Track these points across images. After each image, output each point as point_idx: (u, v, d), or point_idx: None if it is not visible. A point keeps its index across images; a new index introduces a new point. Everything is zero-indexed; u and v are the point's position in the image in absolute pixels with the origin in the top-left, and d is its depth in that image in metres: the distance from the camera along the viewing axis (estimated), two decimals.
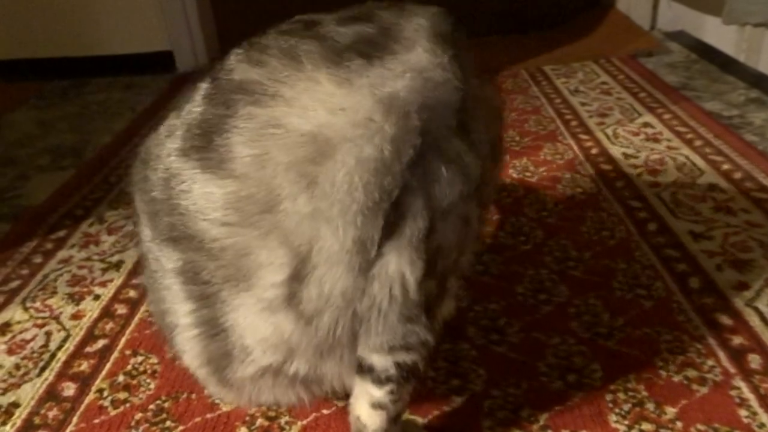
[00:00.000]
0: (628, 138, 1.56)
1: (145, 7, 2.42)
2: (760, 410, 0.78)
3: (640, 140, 1.55)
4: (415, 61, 0.51)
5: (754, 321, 0.92)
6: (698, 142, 1.50)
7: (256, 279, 0.52)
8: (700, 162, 1.41)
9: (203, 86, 0.57)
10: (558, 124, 1.68)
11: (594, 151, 1.50)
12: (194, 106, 0.55)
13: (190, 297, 0.56)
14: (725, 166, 1.38)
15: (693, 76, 1.99)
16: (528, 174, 1.41)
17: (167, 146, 0.56)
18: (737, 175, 1.33)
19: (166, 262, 0.56)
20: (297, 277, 0.52)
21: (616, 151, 1.49)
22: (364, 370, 0.60)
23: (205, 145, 0.52)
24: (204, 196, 0.52)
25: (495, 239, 1.16)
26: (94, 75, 2.47)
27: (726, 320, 0.93)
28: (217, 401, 0.85)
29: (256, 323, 0.54)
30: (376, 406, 0.63)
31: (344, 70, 0.51)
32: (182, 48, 2.49)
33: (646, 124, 1.63)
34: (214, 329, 0.56)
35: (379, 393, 0.62)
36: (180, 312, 0.57)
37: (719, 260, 1.06)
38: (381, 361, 0.58)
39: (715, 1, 1.99)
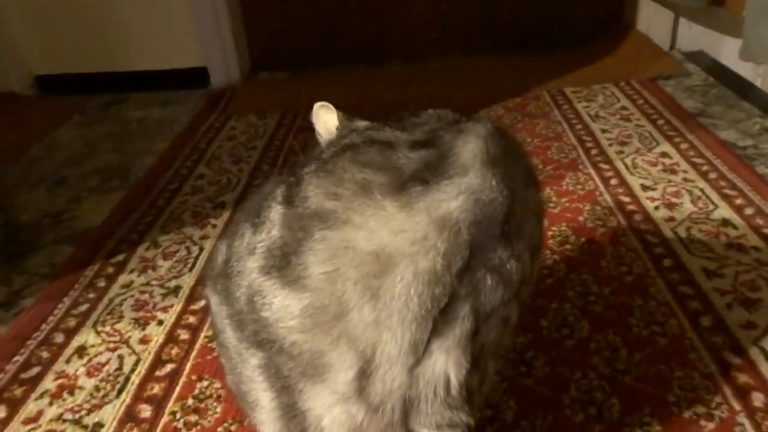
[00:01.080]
0: (647, 168, 1.65)
1: (181, 24, 2.54)
2: None
3: (658, 171, 1.63)
4: (467, 184, 0.60)
5: (760, 360, 1.02)
6: (713, 175, 1.59)
7: (328, 375, 0.62)
8: (714, 196, 1.50)
9: (278, 208, 0.65)
10: (579, 152, 1.77)
11: (613, 181, 1.60)
12: (273, 229, 0.64)
13: (272, 387, 0.66)
14: (738, 201, 1.46)
15: (710, 101, 2.07)
16: (551, 205, 1.51)
17: (249, 264, 0.64)
18: (749, 211, 1.42)
19: (250, 358, 0.66)
20: (364, 374, 0.61)
21: (634, 182, 1.59)
22: None
23: (284, 265, 0.61)
24: (283, 308, 0.61)
25: None
26: (132, 90, 2.59)
27: (733, 359, 1.03)
28: None
29: (332, 410, 0.64)
30: None
31: (406, 197, 0.60)
32: (216, 64, 2.61)
33: (663, 154, 1.72)
34: (293, 412, 0.66)
35: None
36: (263, 398, 0.68)
37: (729, 299, 1.16)
38: None
39: (733, 23, 2.06)
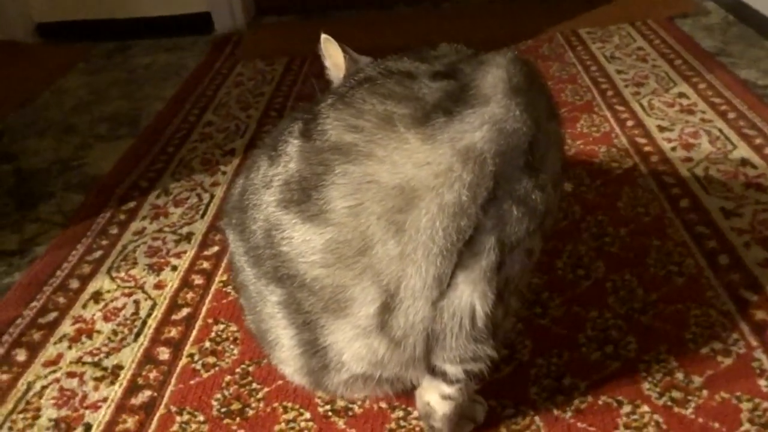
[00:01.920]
0: (663, 110, 1.61)
1: None
2: None
3: (675, 112, 1.60)
4: (490, 114, 0.59)
5: None
6: (732, 115, 1.55)
7: (351, 310, 0.61)
8: (733, 136, 1.46)
9: (295, 142, 0.63)
10: (594, 94, 1.73)
11: (630, 123, 1.56)
12: (290, 162, 0.62)
13: (292, 324, 0.66)
14: (758, 141, 1.43)
15: (729, 40, 2.00)
16: (566, 147, 1.48)
17: (265, 198, 0.63)
18: None
19: (270, 296, 0.66)
20: (387, 308, 0.61)
21: (651, 123, 1.55)
22: (436, 373, 0.71)
23: (305, 199, 0.60)
24: (304, 242, 0.61)
25: None
26: (136, 37, 2.54)
27: (751, 296, 1.02)
28: None
29: (353, 344, 0.64)
30: (446, 397, 0.74)
31: (430, 128, 0.58)
32: (220, 9, 2.54)
33: (681, 95, 1.68)
34: (314, 348, 0.66)
35: (449, 390, 0.73)
36: (283, 335, 0.68)
37: (747, 238, 1.14)
38: (452, 369, 0.69)
39: None
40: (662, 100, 1.66)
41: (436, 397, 0.75)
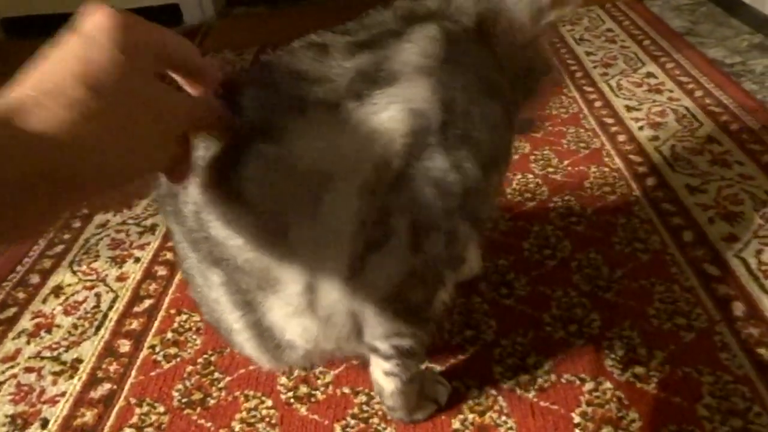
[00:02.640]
0: (631, 90, 1.61)
1: None
2: (740, 353, 0.88)
3: (643, 92, 1.60)
4: (401, 94, 0.57)
5: (741, 271, 1.01)
6: (699, 93, 1.55)
7: (280, 289, 0.61)
8: (699, 113, 1.47)
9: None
10: (563, 76, 1.72)
11: (597, 104, 1.56)
12: (212, 145, 0.59)
13: (237, 305, 0.64)
14: (723, 118, 1.43)
15: (698, 20, 2.01)
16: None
17: (191, 181, 0.61)
18: (734, 127, 1.39)
19: (212, 277, 0.64)
20: (310, 288, 0.61)
21: (619, 103, 1.55)
22: (371, 349, 0.71)
23: (223, 181, 0.58)
24: (228, 225, 0.59)
25: (502, 197, 1.24)
26: None
27: (714, 271, 1.02)
28: None
29: (291, 323, 0.64)
30: (388, 374, 0.74)
31: (340, 114, 0.57)
32: (188, 0, 2.51)
33: (649, 74, 1.68)
34: (260, 329, 0.65)
35: (387, 365, 0.73)
36: (231, 319, 0.66)
37: (712, 213, 1.14)
38: (382, 345, 0.69)
39: None
40: (630, 80, 1.66)
41: (380, 374, 0.75)
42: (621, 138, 1.41)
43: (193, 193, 0.60)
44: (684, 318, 0.94)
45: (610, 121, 1.48)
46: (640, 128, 1.44)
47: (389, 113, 0.57)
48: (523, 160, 1.35)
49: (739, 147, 1.32)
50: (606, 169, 1.30)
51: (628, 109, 1.52)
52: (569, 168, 1.32)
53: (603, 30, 1.99)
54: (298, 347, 0.66)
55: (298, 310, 0.63)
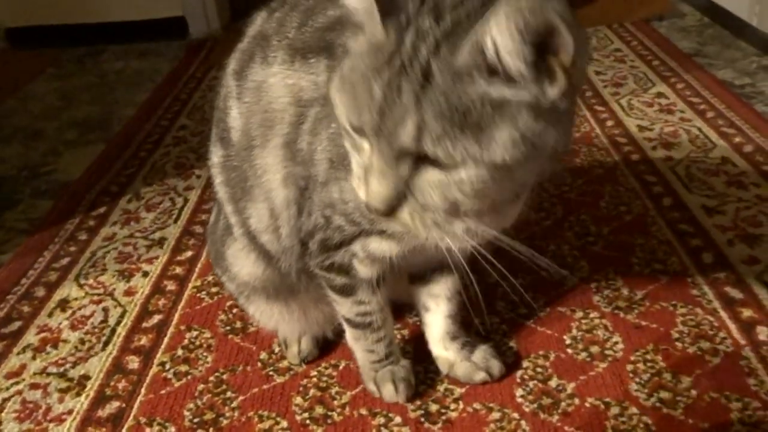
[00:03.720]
0: (643, 109, 1.60)
1: None
2: (767, 379, 0.86)
3: (654, 111, 1.59)
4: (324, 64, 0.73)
5: (764, 294, 1.00)
6: (710, 114, 1.55)
7: (254, 201, 0.81)
8: (712, 134, 1.46)
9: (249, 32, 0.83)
10: None
11: (609, 123, 1.55)
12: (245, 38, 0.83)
13: (230, 199, 0.86)
14: (737, 139, 1.43)
15: (706, 41, 2.01)
16: None
17: (229, 66, 0.83)
18: (748, 149, 1.39)
19: (214, 156, 0.86)
20: (273, 214, 0.81)
21: (630, 123, 1.54)
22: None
23: (241, 71, 0.80)
24: (234, 117, 0.80)
25: None
26: (108, 42, 2.48)
27: (737, 294, 1.00)
28: (270, 373, 0.93)
29: (262, 237, 0.84)
30: (335, 301, 0.85)
31: (289, 67, 0.75)
32: (195, 13, 2.50)
33: (659, 94, 1.68)
34: (252, 239, 0.86)
35: (330, 293, 0.84)
36: (231, 221, 0.88)
37: (731, 235, 1.13)
38: (318, 272, 0.83)
39: None
40: (641, 100, 1.66)
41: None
42: (635, 157, 1.40)
43: (227, 75, 0.82)
44: (709, 342, 0.92)
45: (622, 140, 1.47)
46: (653, 148, 1.43)
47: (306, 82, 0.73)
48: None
49: (755, 169, 1.31)
50: (621, 188, 1.29)
51: (640, 128, 1.51)
52: (583, 187, 1.31)
53: (611, 50, 1.99)
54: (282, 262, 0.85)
55: (270, 230, 0.82)
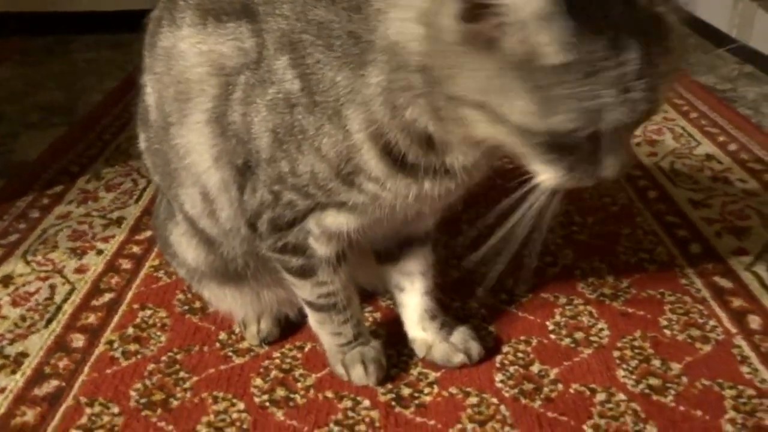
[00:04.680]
0: None
1: None
2: (761, 367, 0.80)
3: None
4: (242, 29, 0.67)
5: (754, 285, 0.95)
6: (694, 114, 1.52)
7: (183, 185, 0.76)
8: (696, 133, 1.43)
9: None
10: None
11: None
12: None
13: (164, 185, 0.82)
14: (721, 138, 1.40)
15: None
16: None
17: (145, 39, 0.77)
18: (732, 147, 1.36)
19: (141, 141, 0.83)
20: (207, 198, 0.75)
21: None
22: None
23: (152, 40, 0.74)
24: (149, 93, 0.76)
25: None
26: (79, 33, 2.40)
27: (726, 283, 0.96)
28: (229, 354, 0.86)
29: (201, 221, 0.78)
30: (294, 285, 0.78)
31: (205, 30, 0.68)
32: None
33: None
34: (192, 224, 0.80)
35: (285, 275, 0.78)
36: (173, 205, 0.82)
37: (718, 227, 1.09)
38: (272, 255, 0.76)
39: None
40: None
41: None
42: None
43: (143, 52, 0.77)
44: (699, 330, 0.87)
45: None
46: (638, 144, 1.39)
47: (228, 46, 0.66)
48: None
49: (740, 166, 1.28)
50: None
51: None
52: None
53: None
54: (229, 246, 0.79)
55: (204, 213, 0.76)
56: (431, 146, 0.62)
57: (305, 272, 0.75)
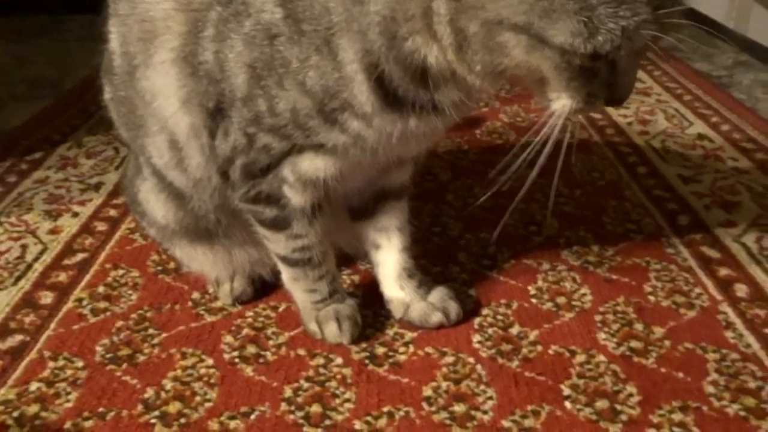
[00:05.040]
0: None
1: None
2: (746, 332, 0.78)
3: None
4: None
5: (742, 255, 0.93)
6: (687, 97, 1.51)
7: (150, 134, 0.74)
8: (689, 114, 1.41)
9: None
10: None
11: None
12: None
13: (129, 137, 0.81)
14: (714, 119, 1.38)
15: (681, 38, 1.99)
16: (519, 119, 1.40)
17: None
18: (725, 127, 1.34)
19: (105, 93, 0.82)
20: (175, 145, 0.72)
21: None
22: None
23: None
24: (114, 38, 0.74)
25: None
26: (73, 13, 2.38)
27: (713, 254, 0.94)
28: (201, 312, 0.83)
29: (169, 174, 0.76)
30: (267, 238, 0.76)
31: None
32: None
33: (636, 79, 1.63)
34: (161, 178, 0.78)
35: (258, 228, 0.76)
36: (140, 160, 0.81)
37: (707, 201, 1.07)
38: (243, 206, 0.74)
39: None
40: None
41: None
42: (609, 131, 1.34)
43: None
44: (684, 296, 0.85)
45: (597, 116, 1.41)
46: (629, 124, 1.37)
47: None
48: (509, 148, 1.27)
49: (732, 145, 1.26)
50: (594, 157, 1.22)
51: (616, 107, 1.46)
52: (554, 154, 1.24)
53: None
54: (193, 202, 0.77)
55: (172, 163, 0.73)
56: (424, 80, 0.60)
57: (279, 224, 0.73)
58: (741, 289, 0.86)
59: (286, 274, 0.79)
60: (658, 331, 0.79)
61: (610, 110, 1.44)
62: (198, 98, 0.67)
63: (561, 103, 0.57)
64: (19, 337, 0.79)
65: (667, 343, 0.77)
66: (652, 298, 0.85)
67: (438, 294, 0.80)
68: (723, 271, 0.90)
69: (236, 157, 0.69)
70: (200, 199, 0.77)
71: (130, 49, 0.70)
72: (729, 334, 0.78)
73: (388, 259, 0.81)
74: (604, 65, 0.54)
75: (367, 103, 0.60)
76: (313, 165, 0.68)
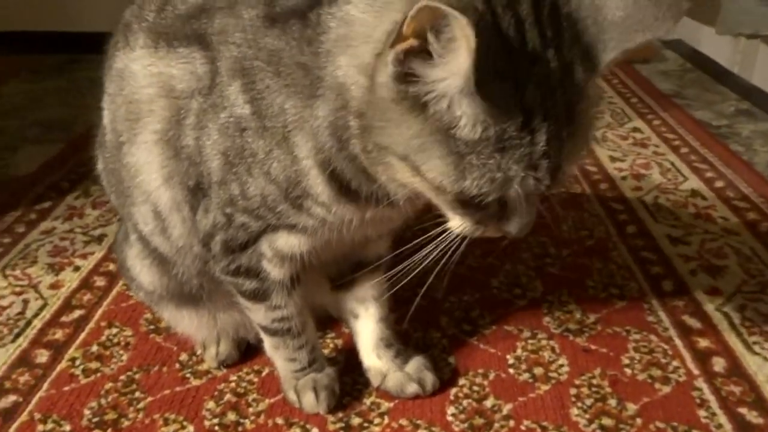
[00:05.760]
0: (616, 142, 1.57)
1: None
2: (719, 411, 0.79)
3: (628, 144, 1.56)
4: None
5: (723, 325, 0.94)
6: (684, 149, 1.52)
7: (136, 204, 0.77)
8: (684, 169, 1.42)
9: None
10: None
11: None
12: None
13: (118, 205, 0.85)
14: (708, 174, 1.39)
15: (686, 84, 2.01)
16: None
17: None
18: (719, 184, 1.35)
19: (98, 163, 0.89)
20: (158, 215, 0.75)
21: (602, 153, 1.51)
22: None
23: (108, 63, 0.76)
24: (105, 114, 0.79)
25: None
26: (87, 52, 2.45)
27: (694, 323, 0.94)
28: (187, 375, 0.86)
29: (154, 239, 0.79)
30: (248, 308, 0.78)
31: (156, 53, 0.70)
32: None
33: (635, 129, 1.65)
34: (146, 244, 0.81)
35: (240, 299, 0.78)
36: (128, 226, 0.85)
37: (694, 265, 1.08)
38: (224, 278, 0.77)
39: (712, 12, 2.00)
40: (616, 133, 1.63)
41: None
42: (603, 186, 1.35)
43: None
44: (661, 370, 0.86)
45: (592, 169, 1.43)
46: (623, 178, 1.39)
47: (178, 71, 0.68)
48: None
49: (724, 203, 1.27)
50: (585, 214, 1.24)
51: (612, 159, 1.48)
52: (546, 210, 1.26)
53: None
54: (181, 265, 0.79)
55: (156, 230, 0.76)
56: (374, 177, 0.63)
57: (259, 296, 0.76)
58: (719, 363, 0.87)
59: (267, 343, 0.81)
60: (631, 407, 0.80)
61: (605, 163, 1.46)
62: (179, 177, 0.71)
63: (456, 223, 0.60)
64: (12, 398, 0.83)
65: (638, 421, 0.78)
66: (628, 370, 0.86)
67: (415, 364, 0.82)
68: (702, 343, 0.91)
69: (216, 233, 0.72)
70: (183, 265, 0.80)
71: (118, 127, 0.74)
72: (702, 413, 0.79)
73: (366, 328, 0.83)
74: (491, 202, 0.55)
75: (323, 193, 0.65)
76: (288, 242, 0.71)
